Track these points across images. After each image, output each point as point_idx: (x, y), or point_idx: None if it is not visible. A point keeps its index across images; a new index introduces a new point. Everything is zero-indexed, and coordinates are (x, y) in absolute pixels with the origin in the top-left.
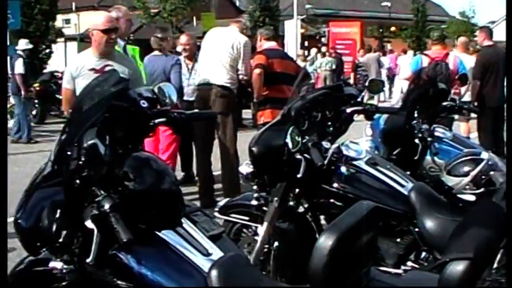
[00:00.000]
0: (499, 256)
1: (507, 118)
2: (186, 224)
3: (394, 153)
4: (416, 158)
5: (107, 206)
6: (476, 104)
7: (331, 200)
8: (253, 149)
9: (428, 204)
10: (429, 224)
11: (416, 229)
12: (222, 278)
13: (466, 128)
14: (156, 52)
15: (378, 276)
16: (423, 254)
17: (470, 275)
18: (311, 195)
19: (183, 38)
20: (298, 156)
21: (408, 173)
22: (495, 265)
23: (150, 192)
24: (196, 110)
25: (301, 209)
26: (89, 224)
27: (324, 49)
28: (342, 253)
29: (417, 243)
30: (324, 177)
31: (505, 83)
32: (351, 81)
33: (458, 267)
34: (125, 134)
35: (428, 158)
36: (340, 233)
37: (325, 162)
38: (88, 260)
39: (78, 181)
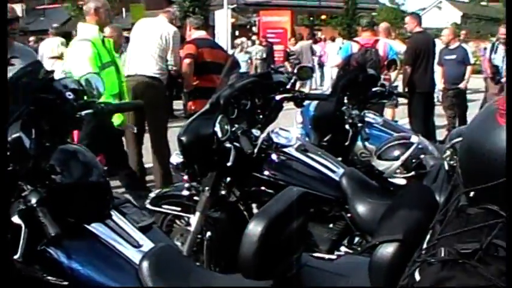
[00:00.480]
0: (428, 237)
1: (507, 115)
2: (116, 216)
3: (325, 139)
4: (347, 143)
5: (33, 201)
6: (407, 89)
7: (263, 188)
8: (182, 138)
9: (360, 189)
10: (361, 208)
11: (348, 214)
12: (153, 269)
13: (391, 113)
14: None
15: (309, 262)
16: (356, 239)
17: (400, 257)
18: (242, 184)
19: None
20: (228, 145)
21: (339, 159)
22: (424, 245)
23: (78, 185)
24: (123, 101)
25: (232, 198)
26: (16, 219)
27: (254, 38)
28: (272, 239)
29: (350, 228)
30: (254, 165)
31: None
32: (289, 69)
33: (387, 250)
34: (51, 126)
35: (359, 143)
36: (269, 219)
37: (255, 150)
38: (16, 257)
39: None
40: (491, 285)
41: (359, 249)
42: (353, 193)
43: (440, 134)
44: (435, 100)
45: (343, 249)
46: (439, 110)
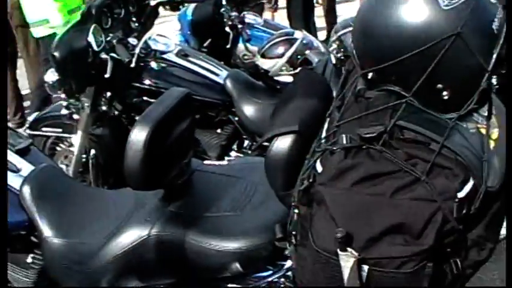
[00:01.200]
0: (326, 125)
1: (507, 114)
2: None
3: (205, 44)
4: (228, 46)
5: None
6: None
7: (145, 98)
8: (55, 54)
9: (245, 90)
10: (248, 110)
11: (236, 117)
12: (35, 192)
13: (271, 17)
14: None
15: (200, 167)
16: (246, 142)
17: (298, 149)
18: (123, 96)
19: None
20: (104, 56)
21: (222, 62)
22: (323, 134)
23: None
24: None
25: (114, 112)
26: None
27: None
28: (158, 145)
29: (238, 132)
30: (134, 75)
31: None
32: None
33: (283, 142)
34: None
35: (240, 45)
36: (153, 124)
37: (134, 59)
38: None
39: None
40: (398, 170)
41: (250, 152)
42: (239, 95)
43: (323, 35)
44: (314, 1)
45: (233, 154)
46: (319, 11)
